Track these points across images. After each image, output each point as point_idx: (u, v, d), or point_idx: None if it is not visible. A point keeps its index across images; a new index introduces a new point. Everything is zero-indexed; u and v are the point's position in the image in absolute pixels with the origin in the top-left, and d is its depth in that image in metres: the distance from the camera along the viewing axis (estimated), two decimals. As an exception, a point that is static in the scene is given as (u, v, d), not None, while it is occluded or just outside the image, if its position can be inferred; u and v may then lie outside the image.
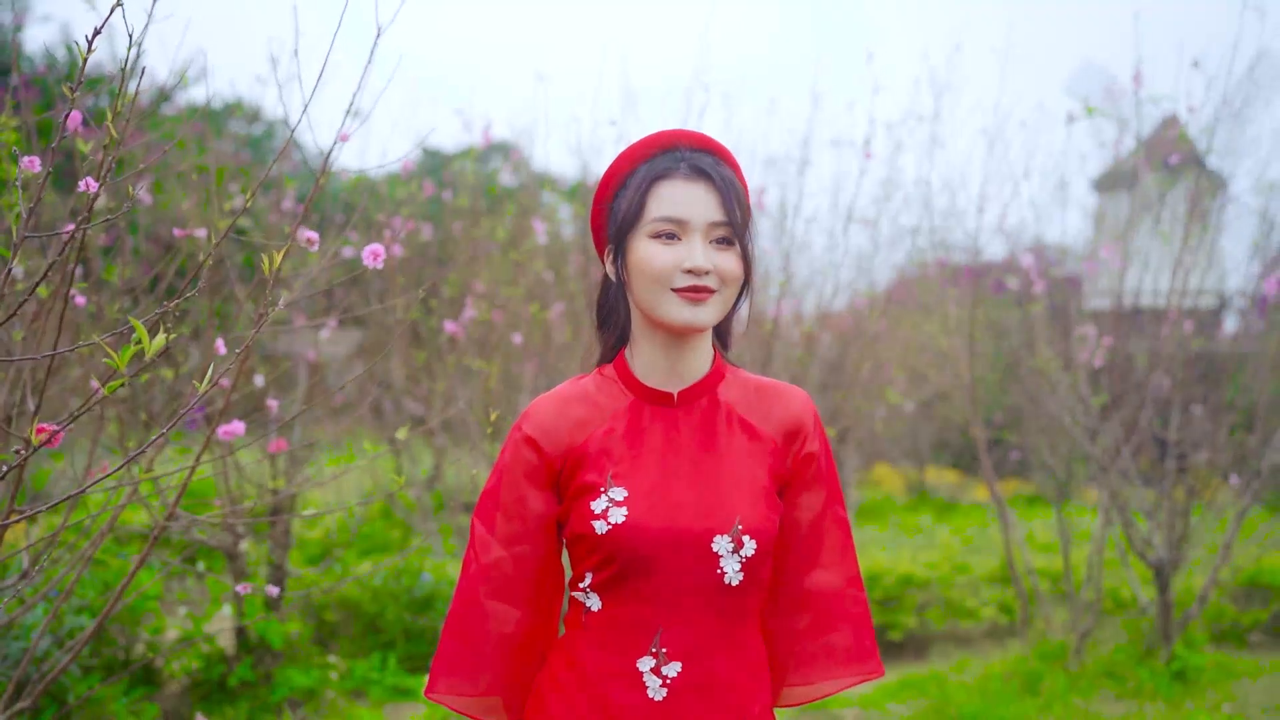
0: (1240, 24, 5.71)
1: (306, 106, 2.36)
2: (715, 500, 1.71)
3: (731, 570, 1.69)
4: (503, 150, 10.46)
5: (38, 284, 1.48)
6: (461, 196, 6.86)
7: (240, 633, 4.99)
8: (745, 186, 1.79)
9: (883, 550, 8.13)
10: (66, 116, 1.57)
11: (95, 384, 2.96)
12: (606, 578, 1.71)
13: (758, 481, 1.74)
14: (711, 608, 1.70)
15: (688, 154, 1.73)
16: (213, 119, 5.62)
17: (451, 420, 6.77)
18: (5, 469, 1.41)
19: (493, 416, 2.60)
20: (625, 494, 1.70)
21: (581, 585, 1.76)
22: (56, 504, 1.55)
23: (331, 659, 5.23)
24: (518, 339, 5.85)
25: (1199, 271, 6.40)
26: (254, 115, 21.63)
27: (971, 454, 12.36)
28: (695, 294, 1.67)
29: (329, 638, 5.59)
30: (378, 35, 2.43)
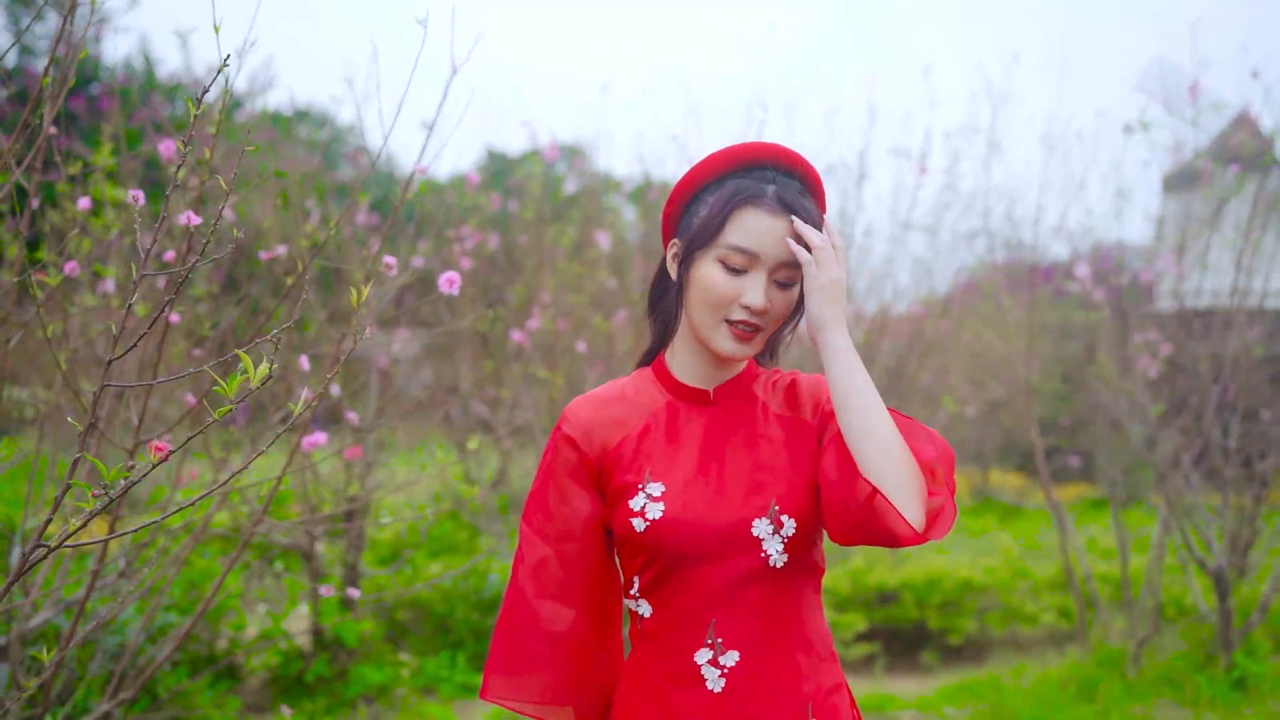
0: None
1: (387, 138, 2.52)
2: (752, 488, 1.71)
3: (775, 552, 1.69)
4: (569, 153, 10.66)
5: (155, 320, 1.64)
6: (527, 208, 7.03)
7: (317, 631, 5.21)
8: (824, 207, 1.80)
9: (944, 554, 8.16)
10: (176, 169, 1.73)
11: (191, 398, 3.15)
12: (652, 578, 1.73)
13: (796, 468, 1.73)
14: (762, 594, 1.70)
15: (779, 178, 1.72)
16: (283, 125, 5.82)
17: (513, 419, 6.96)
18: (125, 485, 1.58)
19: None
20: (663, 489, 1.72)
21: (632, 592, 1.77)
22: (168, 516, 1.72)
23: (403, 657, 5.43)
24: (582, 347, 6.00)
25: (1265, 273, 6.38)
26: (322, 121, 22.14)
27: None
28: (745, 331, 1.70)
29: (400, 636, 5.80)
30: (452, 75, 2.60)
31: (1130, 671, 5.48)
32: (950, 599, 6.43)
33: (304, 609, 5.66)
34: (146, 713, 4.34)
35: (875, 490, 1.58)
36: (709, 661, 1.70)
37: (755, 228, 1.69)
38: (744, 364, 1.84)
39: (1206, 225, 6.48)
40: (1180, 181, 7.06)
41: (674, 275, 1.80)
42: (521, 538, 1.82)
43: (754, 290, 1.69)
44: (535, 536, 1.80)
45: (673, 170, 7.65)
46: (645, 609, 1.75)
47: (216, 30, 2.08)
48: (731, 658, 1.70)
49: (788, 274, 1.72)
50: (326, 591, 2.89)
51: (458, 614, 5.76)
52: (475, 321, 5.97)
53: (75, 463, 1.68)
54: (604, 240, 6.20)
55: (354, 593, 2.95)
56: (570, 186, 7.90)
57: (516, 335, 5.81)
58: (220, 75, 1.73)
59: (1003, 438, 13.02)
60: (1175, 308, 6.59)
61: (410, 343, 7.72)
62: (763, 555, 1.69)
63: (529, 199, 7.15)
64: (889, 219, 6.95)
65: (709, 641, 1.70)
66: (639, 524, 1.70)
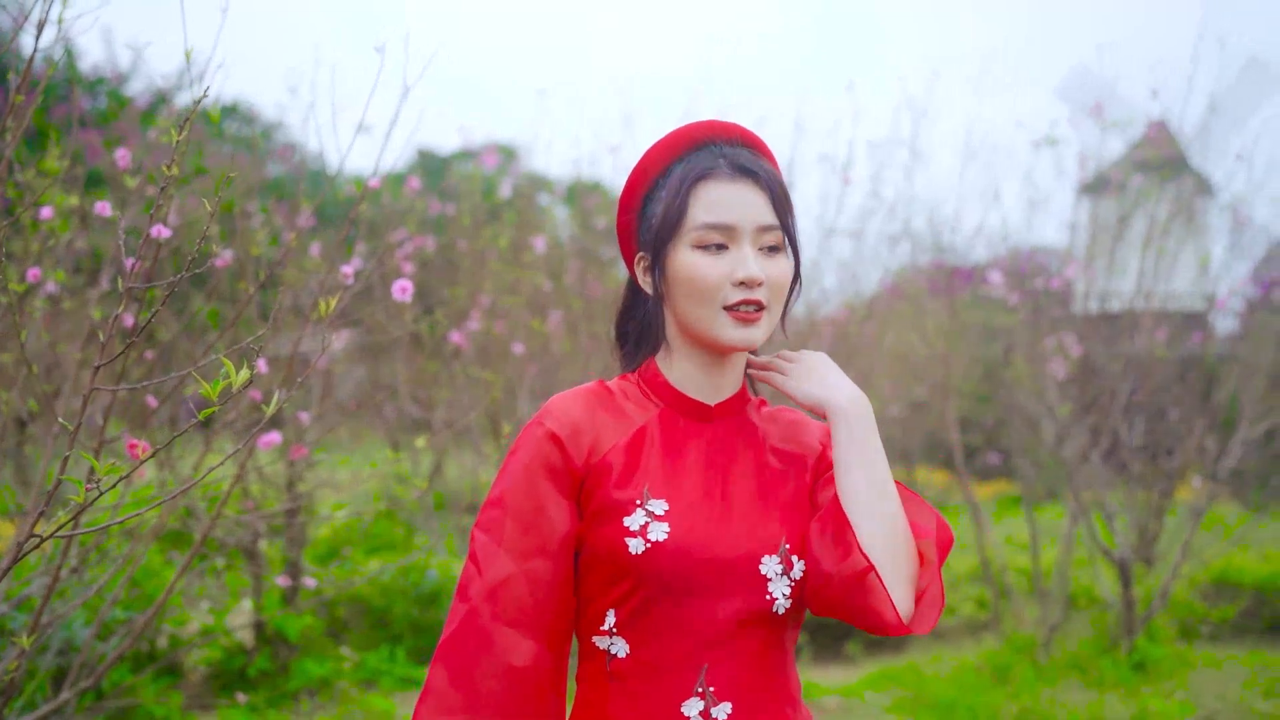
0: (1197, 54, 6.05)
1: (344, 159, 2.67)
2: (760, 519, 1.55)
3: (781, 595, 1.52)
4: (504, 153, 10.76)
5: (143, 328, 1.79)
6: (465, 214, 7.17)
7: (258, 626, 5.31)
8: (777, 167, 1.64)
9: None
10: (164, 195, 1.87)
11: (152, 400, 3.27)
12: (633, 610, 1.52)
13: (797, 501, 1.59)
14: (756, 640, 1.53)
15: (726, 149, 1.57)
16: (213, 122, 5.83)
17: (453, 420, 7.08)
18: (115, 481, 1.73)
19: (506, 429, 2.92)
20: (666, 507, 1.52)
21: (603, 628, 1.54)
22: (148, 509, 1.86)
23: (344, 651, 5.55)
24: (519, 348, 6.16)
25: (1172, 275, 6.77)
26: (249, 117, 21.92)
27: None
28: (748, 312, 1.53)
29: (341, 631, 5.92)
30: (404, 94, 2.76)
31: (1041, 657, 5.79)
32: (873, 591, 6.69)
33: (246, 605, 5.75)
34: (91, 708, 4.42)
35: (871, 567, 1.45)
36: (700, 713, 1.51)
37: (721, 199, 1.53)
38: (740, 382, 1.66)
39: (1119, 231, 6.85)
40: (1099, 187, 7.42)
41: (650, 288, 1.61)
42: (478, 549, 1.54)
43: (743, 263, 1.52)
44: (498, 549, 1.53)
45: (607, 173, 7.84)
46: (621, 648, 1.53)
47: (188, 57, 2.22)
48: (724, 710, 1.51)
49: (773, 238, 1.55)
50: (283, 580, 3.03)
51: (397, 609, 5.90)
52: (415, 324, 6.10)
53: (65, 460, 1.82)
54: (539, 244, 6.37)
55: (309, 581, 3.10)
56: (505, 189, 8.04)
57: (455, 337, 5.95)
58: (193, 85, 1.87)
59: (928, 437, 13.39)
60: (1089, 311, 6.95)
61: (346, 343, 7.81)
62: (768, 598, 1.52)
63: (466, 202, 7.29)
64: (816, 225, 7.21)
65: (699, 690, 1.50)
66: (637, 545, 1.49)
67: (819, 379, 1.59)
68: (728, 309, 1.53)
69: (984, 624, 6.79)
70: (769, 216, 1.54)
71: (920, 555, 1.52)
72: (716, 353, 1.60)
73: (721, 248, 1.53)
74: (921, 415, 12.03)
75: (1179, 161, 7.12)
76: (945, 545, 1.54)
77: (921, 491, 13.54)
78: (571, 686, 1.60)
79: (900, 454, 13.92)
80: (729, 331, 1.54)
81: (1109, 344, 6.92)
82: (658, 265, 1.58)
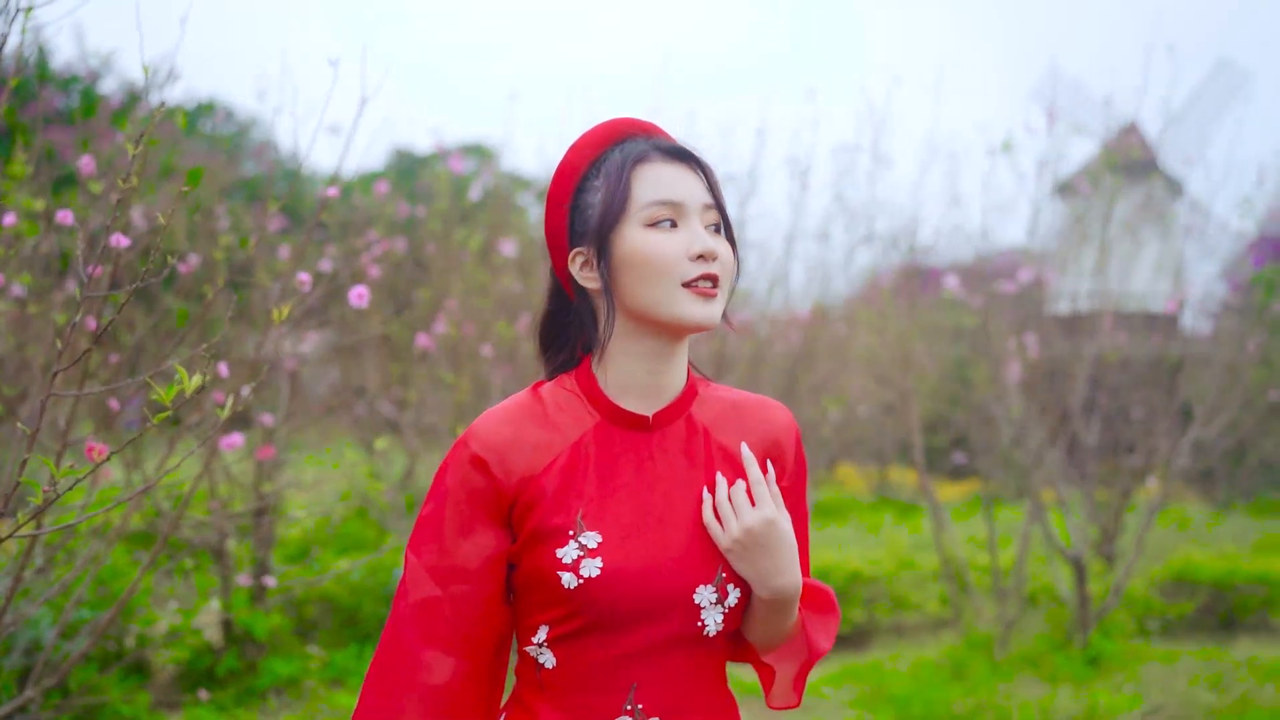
0: (1148, 65, 6.19)
1: (305, 162, 2.74)
2: (696, 545, 1.53)
3: (713, 622, 1.53)
4: (476, 153, 10.81)
5: (100, 334, 1.86)
6: (434, 218, 7.24)
7: (227, 625, 5.36)
8: None
9: (843, 549, 8.57)
10: (121, 206, 1.94)
11: (114, 403, 3.33)
12: (567, 633, 1.52)
13: None
14: (686, 658, 1.54)
15: (652, 139, 1.57)
16: (185, 120, 5.86)
17: (419, 421, 7.14)
18: (73, 482, 1.80)
19: (458, 429, 2.99)
20: (599, 540, 1.49)
21: (534, 640, 1.55)
22: (108, 509, 1.93)
23: (312, 650, 5.60)
24: (487, 351, 6.22)
25: (1137, 276, 6.93)
26: (225, 115, 21.89)
27: (931, 456, 12.86)
28: (707, 287, 1.50)
29: (309, 630, 5.97)
30: (362, 104, 2.83)
31: (997, 653, 5.91)
32: (839, 590, 6.81)
33: (214, 605, 5.81)
34: (58, 706, 4.47)
35: (772, 670, 1.66)
36: None
37: (664, 177, 1.52)
38: (685, 378, 1.61)
39: (1081, 233, 6.99)
40: (1064, 190, 7.56)
41: (595, 282, 1.55)
42: (408, 569, 1.55)
43: (698, 237, 1.51)
44: (423, 572, 1.53)
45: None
46: (549, 659, 1.54)
47: (146, 72, 2.28)
48: None
49: (714, 217, 1.55)
50: (245, 579, 3.09)
51: (365, 608, 5.96)
52: (383, 326, 6.16)
53: (24, 463, 1.88)
54: (508, 248, 6.44)
55: (269, 580, 3.16)
56: (476, 192, 8.10)
57: (422, 339, 6.01)
58: (149, 94, 1.94)
59: (902, 437, 13.51)
60: (1051, 312, 7.10)
61: (317, 344, 7.86)
62: (699, 624, 1.53)
63: (436, 207, 7.35)
64: (781, 229, 7.33)
65: (628, 707, 1.52)
66: (569, 580, 1.48)
67: (755, 566, 1.53)
68: (687, 285, 1.49)
69: (946, 621, 6.91)
70: (709, 196, 1.54)
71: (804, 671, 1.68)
72: (671, 337, 1.55)
73: (673, 225, 1.51)
74: (895, 416, 12.17)
75: (1146, 164, 7.27)
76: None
77: (894, 491, 13.67)
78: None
79: (874, 454, 14.08)
80: (691, 308, 1.50)
81: (1071, 344, 7.06)
82: (603, 255, 1.53)
